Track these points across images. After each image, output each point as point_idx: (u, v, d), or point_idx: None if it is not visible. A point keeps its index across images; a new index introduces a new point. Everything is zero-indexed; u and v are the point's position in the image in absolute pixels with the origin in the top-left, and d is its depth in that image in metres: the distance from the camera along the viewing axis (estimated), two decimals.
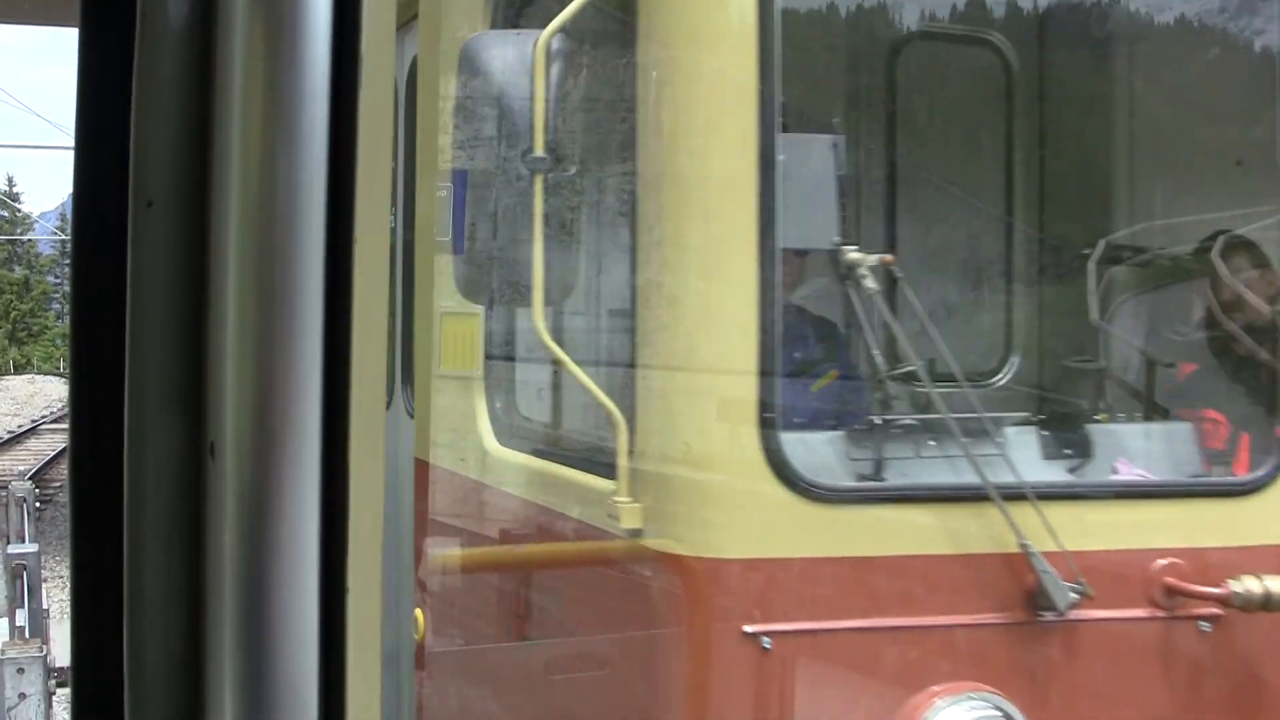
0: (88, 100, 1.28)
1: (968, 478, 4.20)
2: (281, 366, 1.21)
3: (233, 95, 1.20)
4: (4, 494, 13.23)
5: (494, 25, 4.99)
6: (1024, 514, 4.11)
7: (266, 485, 1.21)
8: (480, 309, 5.23)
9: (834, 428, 4.57)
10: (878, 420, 4.56)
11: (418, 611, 5.42)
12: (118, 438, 1.27)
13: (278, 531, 1.20)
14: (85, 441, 1.32)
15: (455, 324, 5.53)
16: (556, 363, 4.76)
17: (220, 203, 1.23)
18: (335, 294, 1.21)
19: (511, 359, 5.54)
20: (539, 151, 4.06)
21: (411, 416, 6.15)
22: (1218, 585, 4.18)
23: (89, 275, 1.32)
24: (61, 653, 10.61)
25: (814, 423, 4.67)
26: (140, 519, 1.26)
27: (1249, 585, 4.14)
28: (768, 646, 3.94)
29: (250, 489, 1.21)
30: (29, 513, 12.20)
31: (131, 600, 1.26)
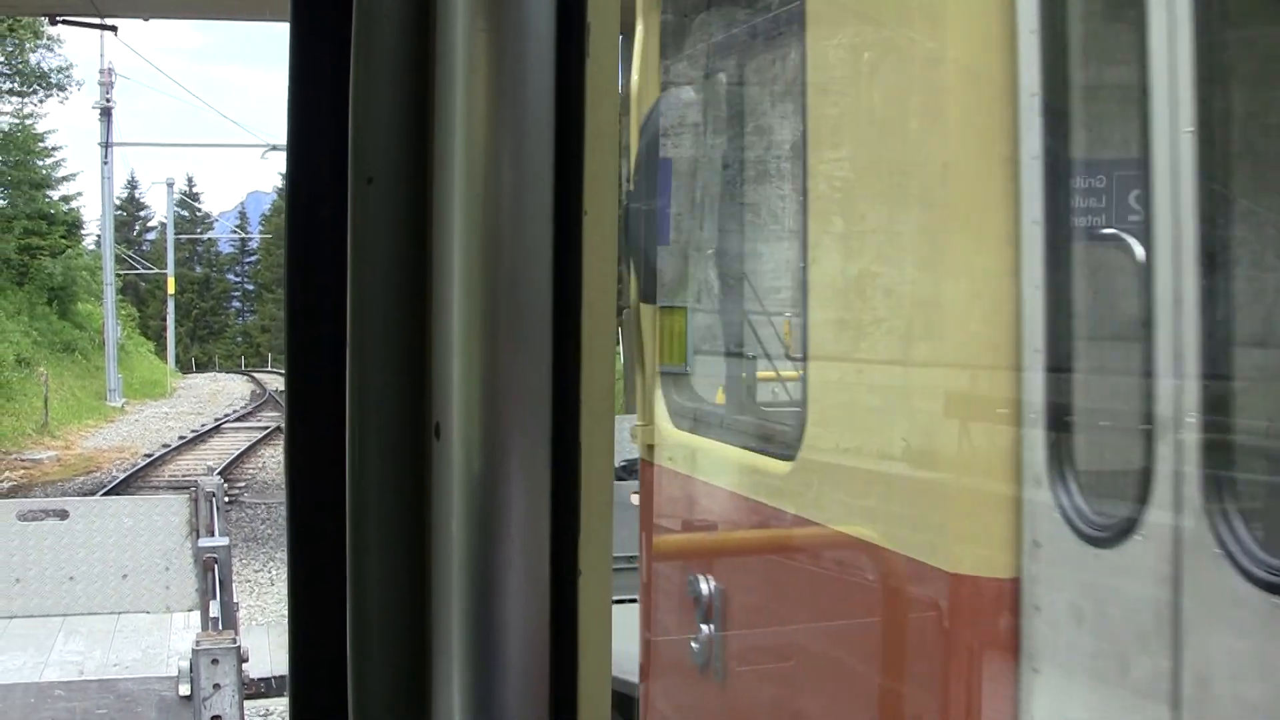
0: (303, 73, 1.25)
1: None
2: (508, 344, 1.17)
3: (454, 65, 1.16)
4: (193, 490, 13.59)
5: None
6: None
7: (494, 466, 1.17)
8: (685, 304, 5.16)
9: None
10: None
11: None
12: (337, 421, 1.24)
13: (506, 513, 1.16)
14: (303, 423, 1.30)
15: (669, 319, 5.39)
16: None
17: (443, 177, 1.19)
18: (564, 270, 1.16)
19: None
20: None
21: None
22: None
23: (303, 255, 1.29)
24: (256, 659, 10.86)
25: None
26: (364, 501, 1.24)
27: None
28: None
29: (477, 470, 1.17)
30: (218, 507, 12.52)
31: (355, 586, 1.23)
